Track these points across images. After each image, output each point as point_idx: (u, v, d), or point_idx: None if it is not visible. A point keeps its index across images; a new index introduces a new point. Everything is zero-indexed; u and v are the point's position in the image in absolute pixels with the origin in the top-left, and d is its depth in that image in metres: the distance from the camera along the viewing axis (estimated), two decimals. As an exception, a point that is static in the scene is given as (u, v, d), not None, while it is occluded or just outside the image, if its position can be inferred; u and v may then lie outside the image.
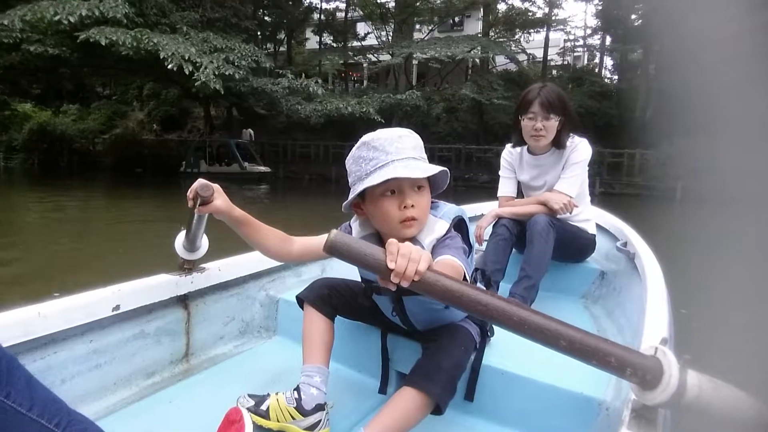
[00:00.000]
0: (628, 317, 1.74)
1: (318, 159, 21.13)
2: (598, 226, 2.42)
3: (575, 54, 26.89)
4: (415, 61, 17.64)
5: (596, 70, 25.83)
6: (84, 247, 6.83)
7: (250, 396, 1.22)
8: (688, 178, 15.49)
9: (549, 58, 24.07)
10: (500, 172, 2.30)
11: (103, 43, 11.12)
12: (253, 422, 1.14)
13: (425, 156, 1.13)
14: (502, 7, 21.35)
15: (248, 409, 1.17)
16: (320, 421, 1.15)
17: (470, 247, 1.18)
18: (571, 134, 2.10)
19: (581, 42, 25.57)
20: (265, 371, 1.48)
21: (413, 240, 1.10)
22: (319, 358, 1.23)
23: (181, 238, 1.47)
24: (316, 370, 1.21)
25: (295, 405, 1.15)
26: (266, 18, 20.68)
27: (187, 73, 11.21)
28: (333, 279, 1.40)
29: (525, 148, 2.20)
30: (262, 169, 17.98)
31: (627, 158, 17.28)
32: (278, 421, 1.16)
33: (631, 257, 2.09)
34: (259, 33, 18.71)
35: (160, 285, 1.43)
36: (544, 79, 23.06)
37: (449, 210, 1.17)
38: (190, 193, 1.18)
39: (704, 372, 0.74)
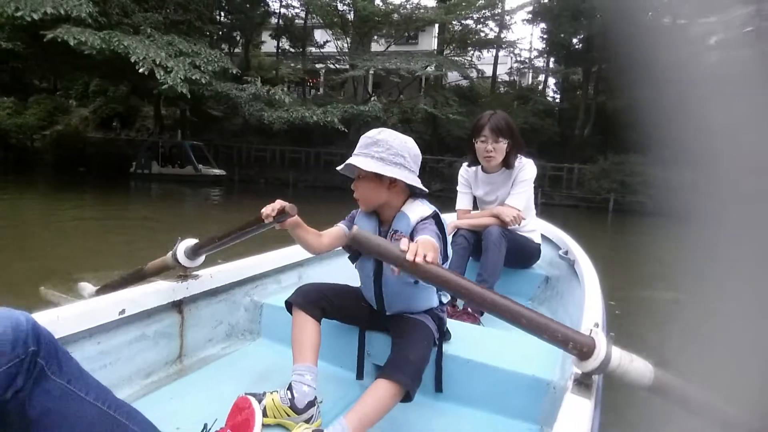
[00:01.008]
0: (570, 315, 1.97)
1: (274, 163, 20.87)
2: (543, 236, 2.66)
3: (522, 71, 28.13)
4: (371, 71, 17.88)
5: (540, 87, 27.20)
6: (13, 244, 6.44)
7: (248, 395, 1.29)
8: (620, 191, 16.67)
9: (498, 75, 25.12)
10: (458, 188, 2.51)
11: (72, 44, 10.68)
12: None
13: (377, 152, 1.32)
14: (456, 27, 22.02)
15: None
16: (313, 415, 1.26)
17: (444, 237, 1.37)
18: (519, 155, 2.32)
19: (527, 63, 26.80)
20: (252, 370, 1.58)
21: (402, 216, 1.36)
22: (309, 357, 1.32)
23: (183, 246, 1.58)
24: (306, 369, 1.30)
25: (289, 404, 1.25)
26: (223, 19, 20.26)
27: (159, 78, 10.87)
28: (318, 283, 1.50)
29: (479, 167, 2.42)
30: (217, 172, 17.52)
31: (566, 172, 18.31)
32: (275, 417, 1.25)
33: (572, 263, 2.34)
34: (215, 35, 18.30)
35: (160, 291, 1.53)
36: (492, 95, 24.06)
37: (429, 205, 1.40)
38: (271, 210, 1.33)
39: (623, 348, 0.97)
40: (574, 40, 21.49)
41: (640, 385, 0.95)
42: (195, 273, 1.66)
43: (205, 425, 1.10)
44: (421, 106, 17.79)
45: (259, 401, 1.25)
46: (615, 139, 19.30)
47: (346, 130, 15.44)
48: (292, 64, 21.96)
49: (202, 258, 1.64)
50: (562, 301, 2.26)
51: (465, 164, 2.48)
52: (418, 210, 1.36)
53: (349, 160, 1.35)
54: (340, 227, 1.53)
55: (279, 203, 1.34)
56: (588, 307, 1.53)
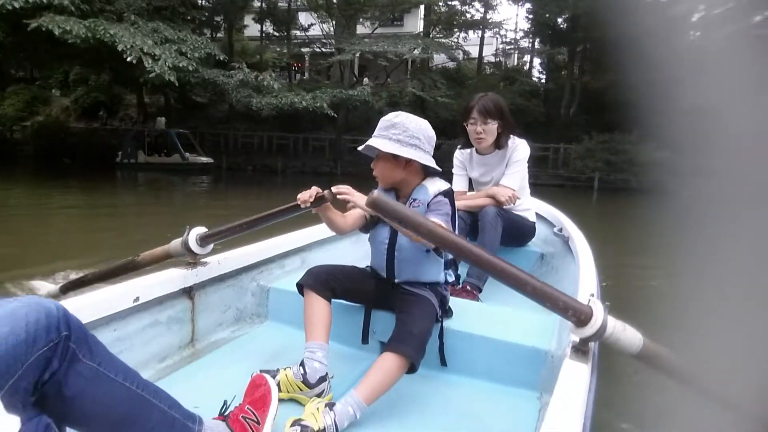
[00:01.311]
0: (565, 289, 2.07)
1: (262, 149, 20.66)
2: (537, 215, 2.70)
3: (507, 52, 28.02)
4: (356, 55, 17.66)
5: (526, 68, 27.17)
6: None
7: (262, 372, 1.31)
8: (604, 170, 16.90)
9: (483, 56, 25.00)
10: (453, 170, 2.53)
11: (57, 33, 10.37)
12: None
13: (395, 135, 1.42)
14: (442, 8, 21.76)
15: None
16: (324, 390, 1.32)
17: (455, 213, 1.51)
18: (512, 136, 2.35)
19: (513, 43, 26.69)
20: (262, 352, 1.63)
21: (422, 188, 1.49)
22: (320, 335, 1.38)
23: (195, 233, 1.63)
24: (317, 347, 1.36)
25: (301, 379, 1.30)
26: (205, 3, 19.76)
27: (147, 66, 10.64)
28: (328, 265, 1.55)
29: (474, 149, 2.45)
30: (204, 159, 17.27)
31: (552, 152, 18.47)
32: (288, 392, 1.31)
33: (566, 240, 2.41)
34: (197, 20, 17.85)
35: (171, 278, 1.58)
36: (478, 77, 23.98)
37: (444, 182, 1.53)
38: (308, 197, 1.42)
39: (617, 317, 1.05)
40: (560, 20, 21.45)
41: (630, 351, 1.02)
42: (203, 260, 1.71)
43: (225, 402, 1.14)
44: (410, 89, 17.67)
45: (273, 377, 1.29)
46: (600, 118, 19.48)
47: (336, 115, 15.28)
48: (278, 49, 21.54)
49: (211, 246, 1.69)
50: (557, 277, 2.34)
51: (459, 147, 2.53)
52: (437, 184, 1.50)
53: (369, 142, 1.45)
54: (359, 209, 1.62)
55: (315, 189, 1.44)
56: (583, 281, 1.60)
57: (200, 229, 1.68)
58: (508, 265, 1.02)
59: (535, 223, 2.54)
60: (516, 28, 26.11)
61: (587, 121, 19.69)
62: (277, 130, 20.56)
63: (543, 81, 25.20)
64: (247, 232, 1.62)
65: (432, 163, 1.46)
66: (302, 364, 1.32)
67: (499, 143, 2.33)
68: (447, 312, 1.58)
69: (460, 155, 2.54)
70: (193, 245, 1.64)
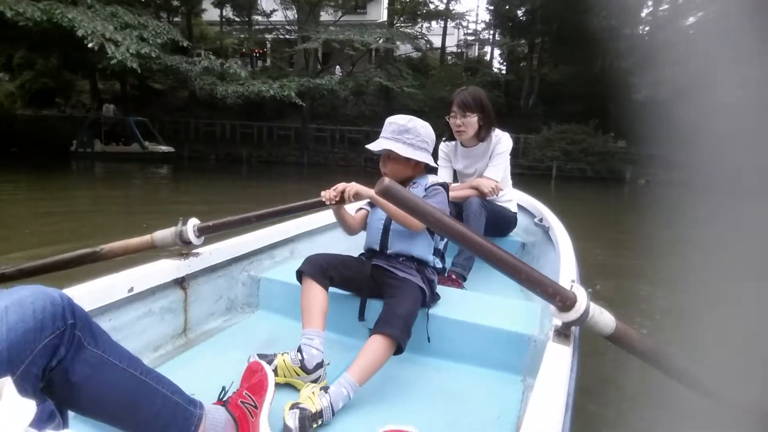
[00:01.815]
0: None
1: (225, 138, 20.13)
2: (519, 206, 2.76)
3: (468, 43, 28.34)
4: (319, 42, 17.36)
5: (486, 57, 27.60)
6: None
7: (259, 356, 1.36)
8: (562, 159, 17.53)
9: (446, 47, 25.20)
10: (438, 162, 2.52)
11: (9, 15, 9.62)
12: None
13: (408, 139, 1.58)
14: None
15: None
16: (320, 375, 1.34)
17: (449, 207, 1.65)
18: (495, 128, 2.40)
19: (474, 34, 26.99)
20: (253, 341, 1.64)
21: (423, 178, 1.67)
22: (317, 323, 1.40)
23: (192, 225, 1.64)
24: (315, 333, 1.38)
25: (299, 365, 1.32)
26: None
27: (110, 53, 10.03)
28: (327, 254, 1.59)
29: (458, 141, 2.50)
30: (165, 148, 16.65)
31: (513, 141, 18.93)
32: (285, 377, 1.32)
33: (546, 230, 2.47)
34: (154, 2, 16.99)
35: (164, 269, 1.58)
36: (441, 67, 24.16)
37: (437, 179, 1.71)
38: (334, 195, 1.59)
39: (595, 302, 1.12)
40: (519, 13, 21.88)
41: (604, 333, 1.07)
42: (195, 251, 1.71)
43: (223, 388, 1.16)
44: (377, 79, 17.61)
45: (270, 362, 1.32)
46: (557, 109, 20.14)
47: (303, 104, 15.02)
48: (242, 36, 20.85)
49: (203, 238, 1.70)
50: (537, 265, 2.40)
51: (444, 139, 2.57)
52: (434, 178, 1.70)
53: (386, 145, 1.57)
54: (364, 210, 1.77)
55: (343, 186, 1.61)
56: (563, 269, 1.66)
57: (195, 221, 1.68)
58: (505, 253, 1.07)
59: (516, 213, 2.61)
60: (477, 20, 26.41)
61: (545, 112, 20.33)
62: (240, 118, 20.07)
63: (503, 72, 25.70)
64: (245, 226, 1.66)
65: (432, 163, 1.64)
66: (300, 350, 1.34)
67: (481, 135, 2.39)
68: (434, 296, 1.64)
69: (445, 147, 2.58)
70: (192, 237, 1.64)
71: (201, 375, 1.40)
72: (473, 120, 2.33)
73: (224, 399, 1.13)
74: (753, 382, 1.21)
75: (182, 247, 1.68)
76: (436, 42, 24.66)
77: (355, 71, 20.11)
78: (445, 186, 1.66)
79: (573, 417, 1.00)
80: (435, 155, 1.70)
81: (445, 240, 1.67)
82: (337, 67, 21.04)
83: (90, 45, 9.77)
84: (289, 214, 1.69)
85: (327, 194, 1.59)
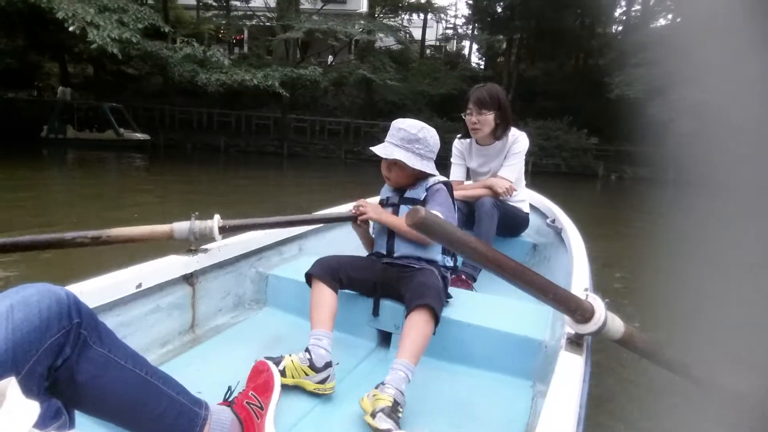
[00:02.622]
0: (558, 280, 2.11)
1: (202, 127, 19.61)
2: (531, 206, 2.69)
3: (447, 37, 28.36)
4: (300, 32, 17.04)
5: (465, 54, 27.73)
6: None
7: (266, 359, 1.33)
8: (538, 154, 17.84)
9: (426, 40, 25.18)
10: (452, 160, 2.51)
11: None
12: None
13: (418, 149, 1.56)
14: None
15: None
16: (329, 376, 1.31)
17: (453, 202, 1.64)
18: (512, 128, 2.33)
19: (454, 29, 27.02)
20: (261, 337, 1.63)
21: (420, 182, 1.64)
22: (326, 324, 1.39)
23: (216, 222, 1.61)
24: (323, 334, 1.36)
25: (308, 364, 1.30)
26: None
27: (91, 36, 9.52)
28: (336, 256, 1.59)
29: (473, 139, 2.42)
30: (140, 136, 16.07)
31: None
32: (293, 377, 1.30)
33: (559, 231, 2.42)
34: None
35: (172, 265, 1.56)
36: (421, 60, 24.13)
37: (441, 176, 1.68)
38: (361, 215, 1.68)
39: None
40: (499, 8, 22.01)
41: (613, 338, 1.07)
42: (204, 247, 1.68)
43: (230, 388, 1.14)
44: (360, 71, 17.45)
45: (277, 363, 1.30)
46: (534, 105, 20.45)
47: (287, 94, 14.74)
48: (223, 21, 20.23)
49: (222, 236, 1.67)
50: (549, 266, 2.38)
51: (458, 137, 2.50)
52: (432, 179, 1.65)
53: (396, 155, 1.54)
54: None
55: (362, 209, 1.69)
56: (576, 273, 1.63)
57: (218, 217, 1.65)
58: (524, 268, 1.01)
59: (528, 214, 2.55)
60: (456, 13, 26.40)
61: (523, 108, 20.58)
62: (217, 106, 19.58)
63: (482, 67, 25.86)
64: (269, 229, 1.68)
65: (436, 171, 1.65)
66: (308, 350, 1.33)
67: (497, 134, 2.32)
68: (448, 295, 1.62)
69: (459, 145, 2.52)
70: (216, 235, 1.61)
71: (208, 372, 1.40)
72: (489, 118, 2.27)
73: (230, 399, 1.11)
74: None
75: (192, 243, 1.64)
76: (416, 34, 24.60)
77: (333, 61, 19.88)
78: (447, 184, 1.63)
79: (585, 430, 0.98)
80: (437, 159, 1.68)
81: None
82: (330, 57, 20.74)
83: (71, 29, 9.30)
84: (314, 224, 1.69)
85: (358, 211, 1.69)
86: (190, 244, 1.64)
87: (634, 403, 2.31)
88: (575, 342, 1.11)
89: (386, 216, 1.64)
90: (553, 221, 2.58)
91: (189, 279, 1.64)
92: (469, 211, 2.31)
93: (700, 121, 14.83)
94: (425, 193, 1.60)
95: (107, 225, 1.55)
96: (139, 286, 1.42)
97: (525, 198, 2.54)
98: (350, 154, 19.10)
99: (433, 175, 1.63)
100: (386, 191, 1.74)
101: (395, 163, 1.58)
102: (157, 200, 7.68)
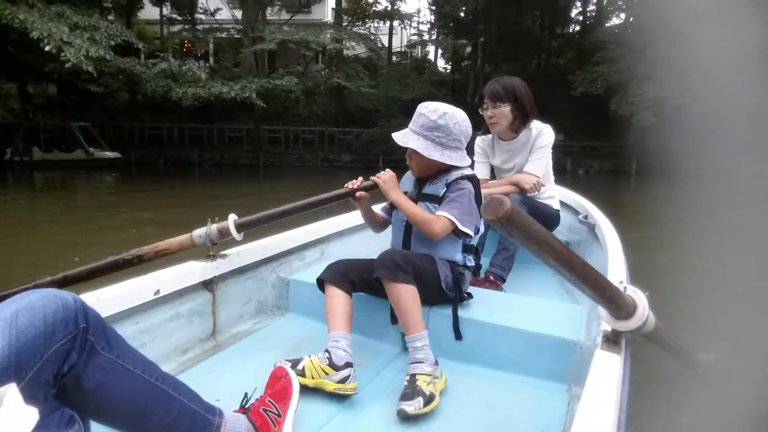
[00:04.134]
0: None
1: (173, 141, 19.20)
2: (561, 202, 2.54)
3: (413, 43, 28.67)
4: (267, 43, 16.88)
5: (432, 59, 28.10)
6: None
7: (286, 360, 1.31)
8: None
9: (392, 47, 25.40)
10: (474, 158, 2.35)
11: None
12: None
13: (438, 137, 1.44)
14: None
15: None
16: (349, 375, 1.26)
17: (479, 196, 1.50)
18: (534, 119, 2.20)
19: (419, 34, 27.34)
20: (283, 344, 1.58)
21: (442, 176, 1.50)
22: (342, 326, 1.35)
23: (232, 220, 1.60)
24: (341, 336, 1.33)
25: (327, 362, 1.26)
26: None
27: (68, 57, 9.17)
28: (347, 259, 1.53)
29: (495, 135, 2.31)
30: (111, 154, 15.68)
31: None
32: (313, 378, 1.25)
33: (592, 228, 2.31)
34: None
35: (191, 271, 1.53)
36: (390, 67, 24.33)
37: (468, 169, 1.54)
38: (359, 182, 1.55)
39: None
40: (461, 14, 22.46)
41: (644, 332, 1.01)
42: (223, 252, 1.66)
43: (246, 394, 1.11)
44: (335, 79, 17.47)
45: (296, 365, 1.27)
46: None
47: (265, 105, 14.59)
48: (191, 36, 19.86)
49: (242, 234, 1.65)
50: None
51: (480, 133, 2.38)
52: (460, 169, 1.50)
53: (412, 143, 1.44)
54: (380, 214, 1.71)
55: (360, 179, 1.56)
56: (612, 270, 1.52)
57: (234, 216, 1.63)
58: (568, 251, 0.87)
59: (559, 210, 2.40)
60: (420, 19, 26.69)
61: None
62: (186, 121, 19.21)
63: (449, 71, 26.28)
64: (284, 218, 1.62)
65: (467, 162, 1.50)
66: (327, 351, 1.30)
67: (515, 126, 2.20)
68: (463, 292, 1.53)
69: (481, 142, 2.40)
70: (233, 232, 1.59)
71: (228, 379, 1.36)
72: (505, 110, 2.15)
73: (246, 406, 1.07)
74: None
75: (210, 249, 1.63)
76: (384, 41, 24.79)
77: (300, 70, 19.77)
78: (473, 179, 1.50)
79: None
80: (470, 148, 1.57)
81: (479, 236, 1.55)
82: (298, 66, 20.62)
83: (47, 48, 8.94)
84: (317, 207, 1.61)
85: (351, 183, 1.55)
86: (209, 250, 1.62)
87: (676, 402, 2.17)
88: (612, 340, 1.04)
89: (398, 194, 1.51)
90: (586, 217, 2.44)
91: (209, 285, 1.61)
92: None
93: (659, 115, 15.55)
94: (444, 189, 1.48)
95: (85, 250, 1.55)
96: (158, 292, 1.39)
97: (554, 194, 2.39)
98: (326, 162, 19.07)
99: (459, 168, 1.50)
100: (406, 183, 1.63)
101: (415, 151, 1.47)
102: (131, 220, 7.46)
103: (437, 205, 1.47)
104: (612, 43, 18.73)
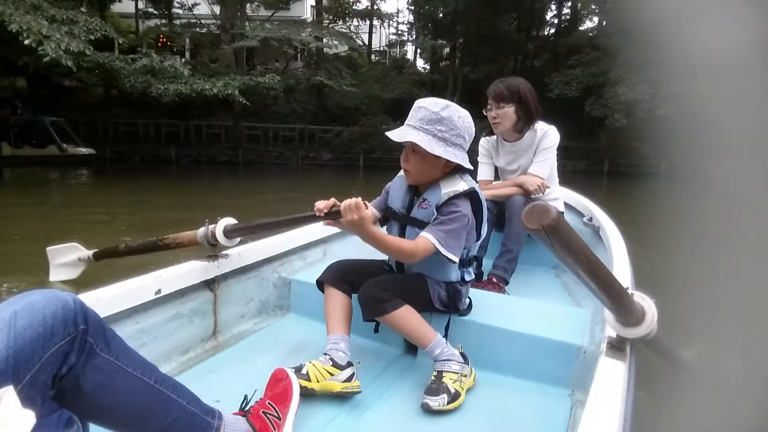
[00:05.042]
0: None
1: (149, 138, 18.68)
2: (566, 204, 2.53)
3: (392, 43, 28.69)
4: (246, 41, 16.56)
5: (411, 58, 28.19)
6: None
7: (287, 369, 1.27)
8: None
9: (372, 46, 25.37)
10: (479, 159, 2.32)
11: None
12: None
13: (441, 131, 1.26)
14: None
15: None
16: (353, 373, 1.26)
17: (481, 213, 1.38)
18: (538, 121, 2.17)
19: (397, 34, 27.39)
20: (285, 344, 1.58)
21: (436, 188, 1.34)
22: (341, 328, 1.35)
23: (222, 225, 1.60)
24: (340, 338, 1.32)
25: (330, 363, 1.25)
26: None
27: (47, 51, 8.80)
28: (346, 260, 1.49)
29: (500, 136, 2.28)
30: (85, 150, 15.12)
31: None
32: (318, 381, 1.23)
33: (596, 230, 2.29)
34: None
35: (193, 270, 1.52)
36: (370, 66, 24.29)
37: (469, 180, 1.36)
38: (323, 207, 1.31)
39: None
40: (440, 14, 22.60)
41: (644, 338, 1.00)
42: (225, 252, 1.65)
43: (246, 396, 1.10)
44: (318, 78, 17.30)
45: (299, 371, 1.23)
46: (480, 107, 21.11)
47: (248, 103, 14.31)
48: (165, 30, 19.36)
49: (238, 239, 1.65)
50: None
51: (484, 134, 2.35)
52: (453, 185, 1.33)
53: (411, 136, 1.26)
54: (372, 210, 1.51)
55: (333, 201, 1.31)
56: (617, 273, 1.47)
57: (229, 220, 1.62)
58: (594, 257, 0.84)
59: (563, 213, 2.37)
60: (401, 20, 26.70)
61: (469, 110, 21.12)
62: (162, 117, 18.73)
63: (428, 71, 26.40)
64: (269, 231, 1.64)
65: (468, 163, 1.33)
66: (327, 353, 1.29)
67: (519, 127, 2.17)
68: (459, 308, 1.46)
69: (485, 143, 2.37)
70: (220, 236, 1.60)
71: (229, 380, 1.35)
72: (509, 111, 2.12)
73: (246, 408, 1.07)
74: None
75: (210, 249, 1.63)
76: (363, 41, 24.71)
77: (287, 69, 19.55)
78: (472, 195, 1.34)
79: None
80: (472, 152, 1.40)
81: (479, 242, 1.46)
82: (276, 63, 20.37)
83: (27, 42, 8.54)
84: (292, 226, 1.57)
85: (318, 205, 1.32)
86: (210, 249, 1.63)
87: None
88: (617, 347, 1.02)
89: (369, 232, 1.25)
90: (590, 220, 2.43)
91: (210, 285, 1.60)
92: (499, 211, 2.17)
93: (630, 117, 16.02)
94: (435, 214, 1.32)
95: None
96: (159, 292, 1.38)
97: (559, 196, 2.36)
98: (306, 160, 18.93)
99: (464, 170, 1.34)
100: (398, 191, 1.45)
101: (414, 150, 1.31)
102: (107, 218, 7.26)
103: None
104: (586, 47, 19.20)
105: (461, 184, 1.33)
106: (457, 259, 1.31)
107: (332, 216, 1.31)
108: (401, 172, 1.43)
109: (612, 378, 0.92)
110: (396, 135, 1.29)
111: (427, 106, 1.28)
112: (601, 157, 17.37)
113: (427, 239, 1.28)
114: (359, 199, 1.21)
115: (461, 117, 1.30)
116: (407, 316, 1.29)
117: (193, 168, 17.00)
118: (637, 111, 15.66)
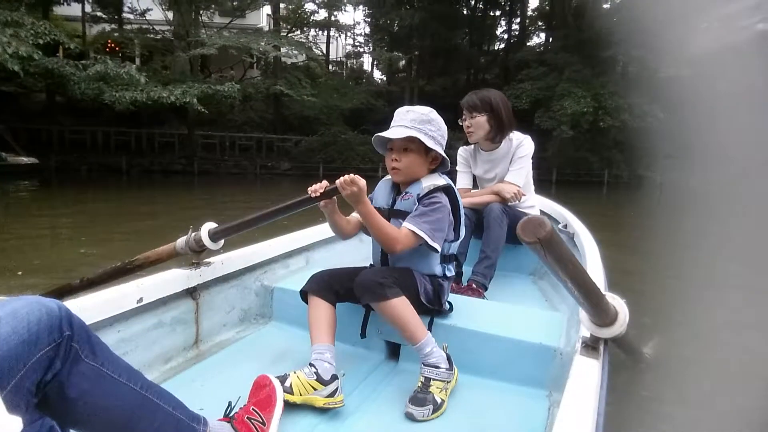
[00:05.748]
0: None
1: (97, 147, 17.76)
2: (541, 211, 2.59)
3: (349, 54, 28.90)
4: (202, 48, 16.18)
5: (368, 69, 28.50)
6: None
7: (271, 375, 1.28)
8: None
9: (331, 56, 25.43)
10: (457, 167, 2.38)
11: None
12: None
13: (431, 131, 1.40)
14: (290, 5, 21.29)
15: None
16: (337, 388, 1.25)
17: (458, 210, 1.47)
18: (513, 131, 2.25)
19: (354, 45, 27.60)
20: (267, 352, 1.57)
21: (417, 182, 1.44)
22: (326, 338, 1.34)
23: (206, 229, 1.59)
24: (325, 348, 1.32)
25: (315, 377, 1.24)
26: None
27: None
28: (330, 269, 1.50)
29: (477, 146, 2.36)
30: (27, 160, 14.22)
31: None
32: (301, 394, 1.22)
33: (571, 236, 2.35)
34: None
35: (175, 279, 1.52)
36: (327, 76, 24.33)
37: (445, 178, 1.49)
38: (319, 187, 1.36)
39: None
40: (396, 27, 23.05)
41: (615, 338, 1.05)
42: (207, 260, 1.65)
43: (230, 403, 1.10)
44: (277, 87, 17.16)
45: (283, 381, 1.23)
46: (435, 117, 21.61)
47: (206, 111, 13.94)
48: (117, 35, 18.57)
49: (222, 242, 1.64)
50: None
51: (462, 144, 2.44)
52: (433, 180, 1.45)
53: (411, 133, 1.38)
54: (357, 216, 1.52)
55: (326, 183, 1.38)
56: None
57: (211, 224, 1.62)
58: (577, 265, 0.92)
59: None
60: (355, 30, 26.86)
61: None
62: (111, 125, 17.86)
63: (385, 82, 26.78)
64: (257, 227, 1.58)
65: (448, 163, 1.49)
66: (312, 365, 1.28)
67: (491, 136, 2.24)
68: (443, 305, 1.51)
69: (463, 152, 2.45)
70: (206, 241, 1.58)
71: (211, 388, 1.35)
72: (481, 120, 2.20)
73: (230, 415, 1.08)
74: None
75: (194, 256, 1.63)
76: (322, 50, 24.74)
77: (244, 77, 19.25)
78: (448, 189, 1.45)
79: None
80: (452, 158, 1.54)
81: (458, 242, 1.53)
82: (231, 72, 19.99)
83: None
84: (282, 215, 1.52)
85: (313, 187, 1.38)
86: (193, 258, 1.63)
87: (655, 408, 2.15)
88: (591, 346, 1.06)
89: (366, 206, 1.34)
90: (565, 226, 2.51)
91: (192, 293, 1.60)
92: (477, 219, 2.22)
93: (576, 128, 17.01)
94: (416, 204, 1.42)
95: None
96: (140, 300, 1.37)
97: (535, 203, 2.44)
98: (264, 169, 18.67)
99: (443, 170, 1.49)
100: (382, 192, 1.54)
101: (405, 149, 1.42)
102: (50, 233, 6.83)
103: None
104: (534, 62, 20.22)
105: (440, 180, 1.46)
106: (439, 248, 1.39)
107: (329, 195, 1.37)
108: (384, 179, 1.55)
109: (586, 376, 0.95)
110: (392, 134, 1.39)
111: (415, 109, 1.43)
112: (549, 167, 18.26)
113: (409, 229, 1.36)
114: (353, 175, 1.32)
115: (441, 120, 1.46)
116: (405, 306, 1.31)
117: (145, 178, 16.34)
118: (582, 123, 16.70)
